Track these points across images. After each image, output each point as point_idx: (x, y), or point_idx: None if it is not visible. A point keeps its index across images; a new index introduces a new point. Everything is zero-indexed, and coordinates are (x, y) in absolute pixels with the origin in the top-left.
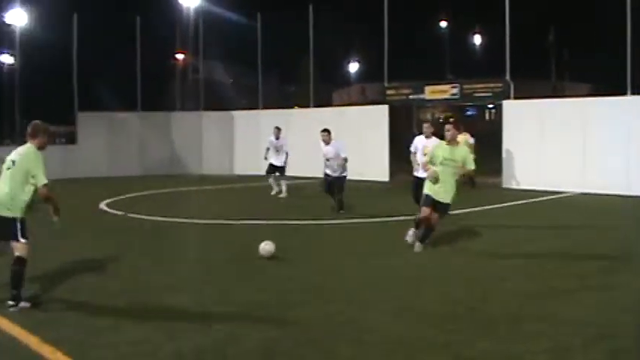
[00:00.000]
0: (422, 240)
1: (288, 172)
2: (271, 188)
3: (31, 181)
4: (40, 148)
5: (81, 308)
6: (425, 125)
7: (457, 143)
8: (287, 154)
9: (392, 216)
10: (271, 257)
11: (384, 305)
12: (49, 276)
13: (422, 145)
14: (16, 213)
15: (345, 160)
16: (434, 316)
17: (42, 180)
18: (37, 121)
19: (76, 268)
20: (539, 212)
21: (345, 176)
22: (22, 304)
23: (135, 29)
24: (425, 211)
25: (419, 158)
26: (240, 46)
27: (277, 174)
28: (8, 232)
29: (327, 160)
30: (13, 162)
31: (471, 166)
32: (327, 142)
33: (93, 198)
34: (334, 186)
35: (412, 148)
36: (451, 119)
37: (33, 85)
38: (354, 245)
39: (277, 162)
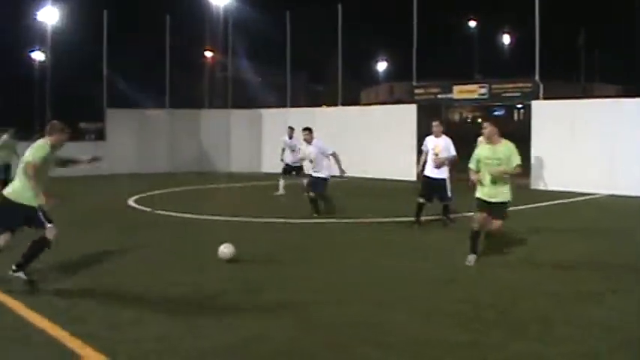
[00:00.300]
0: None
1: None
2: (277, 189)
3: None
4: (55, 145)
5: (106, 303)
6: (434, 124)
7: (498, 140)
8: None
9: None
10: (232, 259)
11: (410, 307)
12: (75, 270)
13: (433, 144)
14: (32, 202)
15: (334, 155)
16: (461, 318)
17: (26, 159)
18: (55, 121)
19: (102, 262)
20: (567, 214)
21: (326, 178)
22: (21, 274)
23: (164, 27)
24: (479, 217)
25: (429, 158)
26: (268, 44)
27: (294, 173)
28: (34, 220)
29: (310, 161)
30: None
31: (516, 162)
32: (309, 142)
33: (121, 194)
34: (314, 186)
35: (423, 148)
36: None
37: (63, 82)
38: (379, 245)
39: (293, 162)
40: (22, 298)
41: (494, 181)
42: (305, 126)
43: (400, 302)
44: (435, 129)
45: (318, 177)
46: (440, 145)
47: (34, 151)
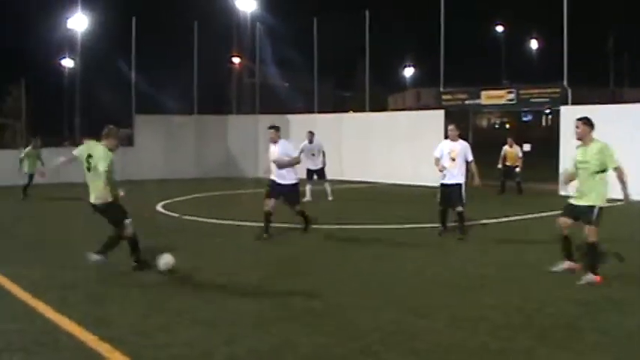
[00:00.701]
0: (569, 257)
1: (338, 176)
2: (304, 195)
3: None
4: (112, 149)
5: (135, 307)
6: (450, 128)
7: (589, 142)
8: (324, 153)
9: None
10: (172, 270)
11: (436, 313)
12: (103, 274)
13: (449, 148)
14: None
15: (298, 161)
16: (488, 324)
17: (102, 170)
18: (111, 125)
19: (129, 267)
20: None
21: (296, 184)
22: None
23: (192, 33)
24: (563, 221)
25: (444, 163)
26: (296, 50)
27: (316, 177)
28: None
29: (273, 161)
30: (89, 163)
31: (612, 165)
32: (274, 141)
33: (149, 199)
34: (285, 196)
35: (436, 153)
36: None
37: (92, 89)
38: (406, 251)
39: (314, 166)
40: (51, 302)
41: (582, 184)
42: (272, 125)
43: (429, 308)
44: (450, 133)
45: (290, 184)
46: (456, 149)
47: (103, 161)
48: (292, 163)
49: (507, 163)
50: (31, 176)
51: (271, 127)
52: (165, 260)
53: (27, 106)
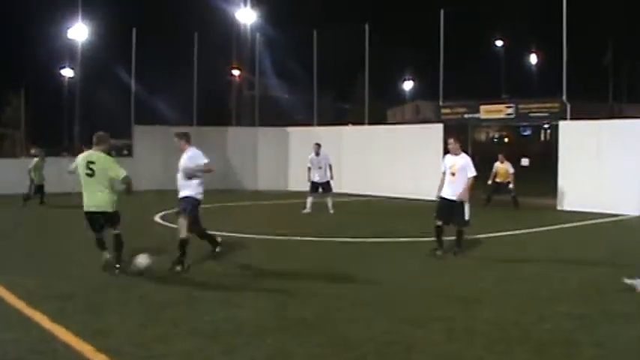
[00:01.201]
0: None
1: (338, 189)
2: (304, 207)
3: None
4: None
5: (131, 318)
6: (449, 141)
7: None
8: (330, 166)
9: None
10: (145, 270)
11: (433, 325)
12: (101, 285)
13: (450, 162)
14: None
15: (207, 169)
16: (485, 337)
17: (122, 175)
18: (101, 132)
19: (128, 278)
20: (594, 235)
21: (190, 197)
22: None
23: (192, 44)
24: None
25: (446, 178)
26: (295, 63)
27: (321, 190)
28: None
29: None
30: (92, 170)
31: None
32: (183, 150)
33: (148, 210)
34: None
35: (442, 168)
36: None
37: (92, 98)
38: (405, 264)
39: (320, 178)
40: (47, 311)
41: None
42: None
43: (426, 320)
44: (450, 147)
45: (185, 196)
46: (458, 163)
47: (115, 165)
48: (199, 170)
49: (497, 180)
50: (41, 187)
51: (177, 135)
52: (140, 260)
53: (26, 116)
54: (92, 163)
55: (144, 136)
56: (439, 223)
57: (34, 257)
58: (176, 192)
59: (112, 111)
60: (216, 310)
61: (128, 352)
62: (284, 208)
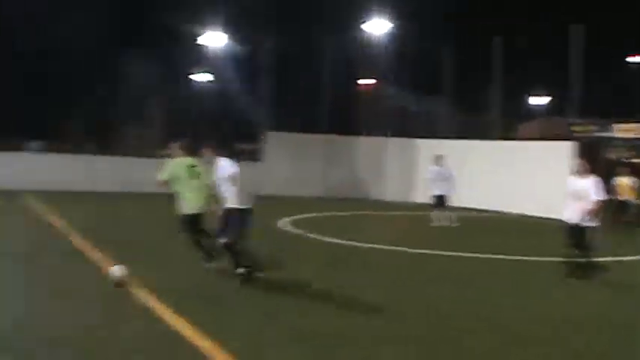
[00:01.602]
0: None
1: (463, 203)
2: (431, 220)
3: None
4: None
5: (250, 317)
6: (577, 163)
7: None
8: (454, 179)
9: (554, 256)
10: (121, 282)
11: (547, 346)
12: (225, 284)
13: (576, 185)
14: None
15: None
16: None
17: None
18: (187, 139)
19: (251, 281)
20: None
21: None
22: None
23: (324, 53)
24: None
25: (569, 201)
26: (426, 74)
27: (443, 203)
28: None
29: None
30: (196, 171)
31: None
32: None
33: (274, 215)
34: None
35: (568, 189)
36: None
37: (224, 104)
38: (505, 283)
39: (442, 191)
40: (173, 305)
41: None
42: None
43: (536, 339)
44: (578, 168)
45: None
46: (584, 186)
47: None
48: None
49: (620, 197)
50: None
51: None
52: (112, 270)
53: (165, 118)
54: (194, 166)
55: (274, 142)
56: (568, 246)
57: (165, 253)
58: (304, 199)
59: (243, 117)
60: (331, 319)
61: (247, 353)
62: (406, 219)
